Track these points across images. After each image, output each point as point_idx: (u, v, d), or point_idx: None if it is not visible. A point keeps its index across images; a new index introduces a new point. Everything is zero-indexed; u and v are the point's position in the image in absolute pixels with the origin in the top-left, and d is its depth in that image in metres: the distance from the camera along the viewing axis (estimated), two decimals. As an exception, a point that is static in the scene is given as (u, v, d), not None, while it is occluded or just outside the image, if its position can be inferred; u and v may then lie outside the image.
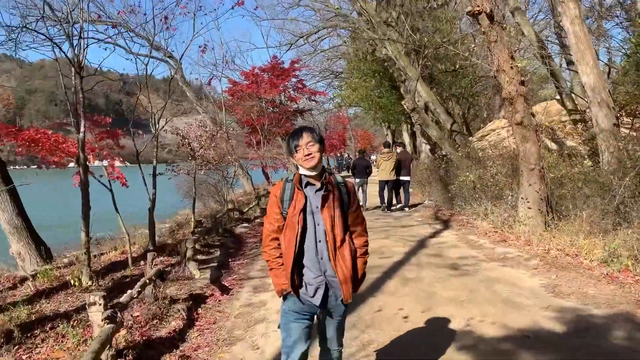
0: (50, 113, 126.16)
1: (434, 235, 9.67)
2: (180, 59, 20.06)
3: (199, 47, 10.83)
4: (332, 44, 31.41)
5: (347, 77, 30.52)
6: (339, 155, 45.69)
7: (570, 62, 16.34)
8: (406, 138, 33.66)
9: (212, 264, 7.77)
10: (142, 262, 7.75)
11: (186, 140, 10.01)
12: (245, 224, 11.65)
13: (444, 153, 21.53)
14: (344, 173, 38.87)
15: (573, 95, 21.97)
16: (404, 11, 18.69)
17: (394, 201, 14.30)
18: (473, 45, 24.86)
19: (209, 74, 42.89)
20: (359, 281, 3.04)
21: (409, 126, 29.54)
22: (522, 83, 9.56)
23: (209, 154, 10.37)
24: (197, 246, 8.66)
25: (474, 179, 11.16)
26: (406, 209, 13.77)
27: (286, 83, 26.02)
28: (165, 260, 7.79)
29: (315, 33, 23.74)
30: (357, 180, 14.17)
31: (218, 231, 10.27)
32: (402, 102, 15.14)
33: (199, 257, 8.15)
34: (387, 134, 42.60)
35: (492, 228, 9.58)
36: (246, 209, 12.97)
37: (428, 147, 20.48)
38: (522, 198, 9.49)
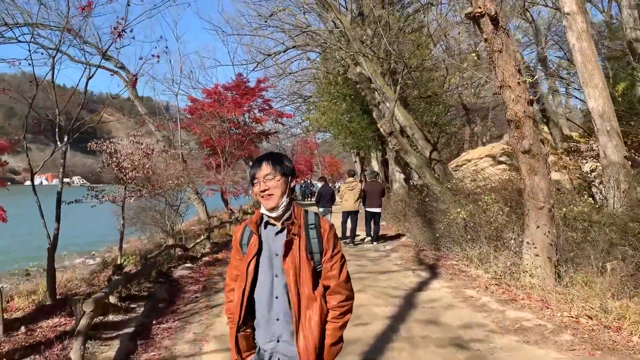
0: (8, 128, 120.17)
1: (421, 287, 7.65)
2: (135, 75, 17.80)
3: (153, 56, 9.24)
4: (302, 66, 29.73)
5: (316, 100, 28.83)
6: (303, 182, 43.53)
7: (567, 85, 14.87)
8: (375, 166, 32.00)
9: (126, 330, 5.54)
10: (31, 326, 5.46)
11: (113, 158, 7.84)
12: (189, 264, 9.39)
13: (420, 183, 19.86)
14: (308, 201, 36.89)
15: (560, 122, 20.78)
16: (378, 31, 17.10)
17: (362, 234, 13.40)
18: (446, 74, 23.65)
19: (166, 89, 40.24)
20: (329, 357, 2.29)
21: (380, 153, 27.87)
22: (531, 102, 7.81)
23: (143, 175, 8.16)
24: (112, 300, 6.40)
25: (465, 216, 9.28)
26: (374, 242, 12.61)
27: (251, 103, 24.02)
28: (57, 324, 5.52)
29: (284, 52, 21.83)
30: (321, 209, 13.27)
31: (150, 275, 8.02)
32: (379, 125, 13.30)
33: (111, 317, 5.90)
34: (355, 161, 40.88)
35: (492, 279, 7.64)
36: (192, 243, 10.69)
37: (402, 176, 18.69)
38: (527, 243, 7.67)
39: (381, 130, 13.19)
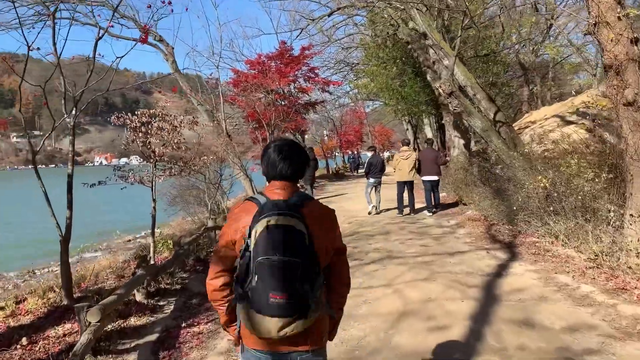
0: (63, 111, 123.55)
1: (500, 272, 6.35)
2: (173, 43, 17.01)
3: (163, 2, 8.06)
4: (348, 32, 28.12)
5: (364, 66, 27.24)
6: (351, 153, 41.65)
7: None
8: (429, 132, 30.27)
9: (148, 337, 4.59)
10: (35, 336, 4.60)
11: (139, 134, 6.88)
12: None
13: (480, 149, 18.20)
14: (361, 171, 35.57)
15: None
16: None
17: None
18: (502, 31, 21.68)
19: (207, 61, 39.11)
20: None
21: (435, 119, 26.12)
22: (635, 41, 6.24)
23: (172, 151, 7.17)
24: (138, 297, 5.48)
25: (547, 184, 7.82)
26: (434, 211, 11.94)
27: (296, 72, 22.78)
28: (67, 332, 4.61)
29: (329, 15, 20.43)
30: (371, 180, 12.70)
31: (185, 264, 7.09)
32: (436, 86, 11.83)
33: (133, 321, 4.97)
34: (407, 129, 39.09)
35: (587, 261, 6.24)
36: None
37: (462, 141, 17.08)
38: (630, 215, 6.23)
39: (439, 91, 11.74)
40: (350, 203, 14.82)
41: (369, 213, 12.58)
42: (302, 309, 1.95)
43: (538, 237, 7.69)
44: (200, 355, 4.29)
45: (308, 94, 24.10)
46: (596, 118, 15.14)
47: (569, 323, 4.49)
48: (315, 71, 23.92)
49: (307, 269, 1.96)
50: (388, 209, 13.02)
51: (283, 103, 22.42)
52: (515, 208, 8.37)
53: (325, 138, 40.26)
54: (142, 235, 17.13)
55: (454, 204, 12.79)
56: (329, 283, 2.22)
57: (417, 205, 12.40)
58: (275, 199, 2.10)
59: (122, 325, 4.77)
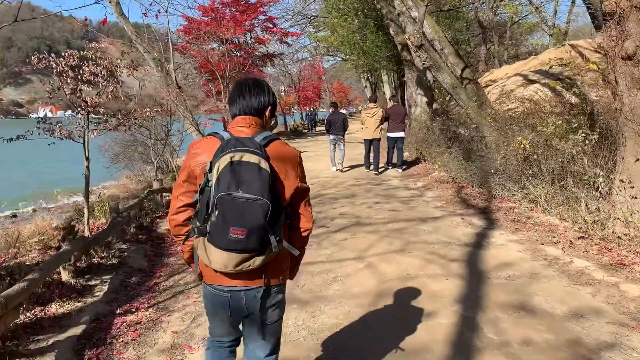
0: (7, 60, 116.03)
1: (481, 242, 5.70)
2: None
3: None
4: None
5: (323, 18, 25.96)
6: (309, 110, 40.38)
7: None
8: (387, 91, 29.55)
9: (70, 331, 3.67)
10: None
11: (67, 79, 5.73)
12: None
13: (443, 107, 17.58)
14: (319, 129, 34.48)
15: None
16: None
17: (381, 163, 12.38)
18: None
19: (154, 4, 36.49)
20: None
21: (395, 75, 25.32)
22: (638, -13, 5.54)
23: (108, 100, 6.05)
24: (64, 276, 4.52)
25: (527, 145, 7.19)
26: (399, 169, 11.90)
27: (252, 21, 21.32)
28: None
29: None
30: (332, 137, 12.42)
31: (125, 233, 6.11)
32: (405, 37, 10.94)
33: (55, 308, 4.02)
34: (365, 86, 38.19)
35: (578, 231, 5.68)
36: None
37: (425, 99, 16.36)
38: (621, 181, 5.69)
39: (408, 42, 10.86)
40: (311, 163, 13.95)
41: (338, 171, 12.22)
42: (261, 245, 1.92)
43: (515, 202, 7.12)
44: (137, 355, 3.42)
45: (265, 45, 22.73)
46: (562, 76, 14.74)
47: (571, 308, 3.87)
48: (274, 21, 22.50)
49: (269, 207, 1.89)
50: (352, 167, 12.42)
51: (239, 54, 21.06)
52: (492, 171, 7.73)
53: (283, 94, 38.78)
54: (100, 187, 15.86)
55: (415, 162, 12.20)
56: (291, 222, 2.19)
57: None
58: (239, 135, 2.04)
59: (38, 315, 3.82)
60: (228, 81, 18.31)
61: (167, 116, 12.05)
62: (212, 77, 20.13)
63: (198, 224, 2.00)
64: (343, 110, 49.71)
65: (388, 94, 25.97)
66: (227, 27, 19.56)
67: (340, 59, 41.69)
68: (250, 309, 2.09)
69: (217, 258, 1.93)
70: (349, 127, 12.72)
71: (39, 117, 5.92)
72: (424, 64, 10.97)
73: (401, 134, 11.94)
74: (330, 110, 13.30)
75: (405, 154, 13.87)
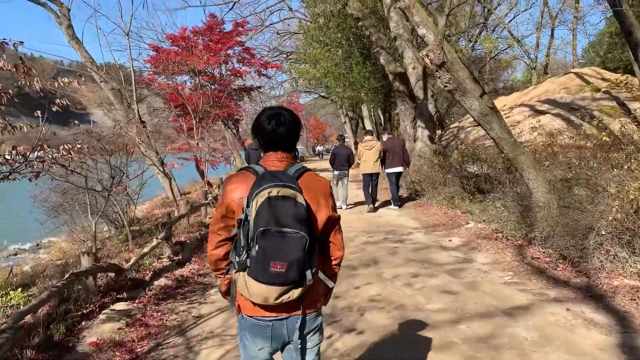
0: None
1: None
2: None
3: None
4: (283, 17, 24.69)
5: (302, 51, 23.87)
6: None
7: None
8: (368, 126, 27.42)
9: None
10: None
11: None
12: (123, 305, 4.71)
13: (442, 144, 15.32)
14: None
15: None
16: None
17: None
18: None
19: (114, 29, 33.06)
20: None
21: (380, 108, 23.16)
22: None
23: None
24: None
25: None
26: (395, 206, 10.92)
27: (228, 51, 18.93)
28: None
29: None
30: (336, 172, 11.27)
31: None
32: (422, 53, 8.59)
33: None
34: (344, 122, 36.13)
35: None
36: (134, 257, 5.77)
37: (427, 132, 14.05)
38: None
39: (426, 60, 8.53)
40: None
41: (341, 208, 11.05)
42: (299, 278, 1.89)
43: (633, 279, 4.61)
44: None
45: (242, 78, 20.29)
46: (575, 106, 12.71)
47: None
48: (251, 51, 20.17)
49: (307, 240, 1.86)
50: (349, 205, 11.32)
51: (213, 86, 18.54)
52: (589, 228, 5.18)
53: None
54: (28, 248, 12.81)
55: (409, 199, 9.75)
56: (323, 251, 2.13)
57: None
58: (272, 169, 2.01)
59: None
60: (201, 116, 15.71)
61: (125, 156, 9.39)
62: (182, 112, 17.50)
63: (237, 259, 1.95)
64: (319, 147, 47.41)
65: (369, 129, 23.75)
66: (199, 57, 17.11)
67: (318, 96, 39.74)
68: (291, 336, 2.04)
69: (258, 291, 1.88)
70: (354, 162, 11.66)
71: None
72: (446, 86, 8.57)
73: (400, 169, 11.00)
74: (336, 143, 12.16)
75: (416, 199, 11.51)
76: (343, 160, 11.09)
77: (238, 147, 22.41)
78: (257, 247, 1.82)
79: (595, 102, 12.66)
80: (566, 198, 5.98)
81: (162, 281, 5.67)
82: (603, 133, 7.04)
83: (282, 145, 2.08)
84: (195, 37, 18.21)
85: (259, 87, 22.79)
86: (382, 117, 24.96)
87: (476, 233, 7.28)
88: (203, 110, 15.81)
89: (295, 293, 1.89)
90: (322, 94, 37.04)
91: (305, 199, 1.90)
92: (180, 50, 17.76)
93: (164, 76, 17.49)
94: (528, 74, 32.01)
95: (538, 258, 5.73)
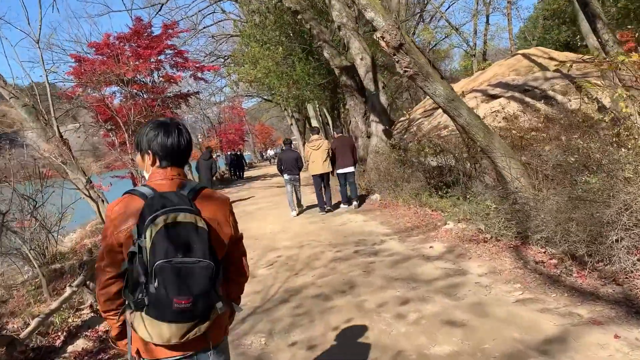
0: None
1: None
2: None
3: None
4: (217, 19, 23.22)
5: (241, 53, 22.50)
6: (231, 152, 33.65)
7: None
8: (315, 124, 26.37)
9: None
10: None
11: None
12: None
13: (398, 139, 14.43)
14: (249, 173, 30.30)
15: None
16: None
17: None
18: None
19: (23, 37, 29.95)
20: None
21: (328, 105, 22.10)
22: None
23: None
24: None
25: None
26: (354, 203, 10.44)
27: (159, 56, 17.30)
28: None
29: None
30: (286, 177, 10.67)
31: None
32: (376, 35, 7.53)
33: None
34: (291, 124, 34.83)
35: None
36: (33, 324, 4.24)
37: (381, 127, 13.05)
38: None
39: (382, 42, 7.48)
40: (256, 222, 10.07)
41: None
42: (205, 311, 1.69)
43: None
44: None
45: (177, 84, 18.68)
46: (528, 87, 12.14)
47: None
48: (184, 55, 18.59)
49: (212, 268, 1.65)
50: (309, 207, 10.74)
51: (145, 96, 16.88)
52: (620, 223, 4.20)
53: (201, 139, 34.33)
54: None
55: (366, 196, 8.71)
56: (226, 274, 1.93)
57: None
58: (163, 190, 1.75)
59: None
60: (133, 128, 14.09)
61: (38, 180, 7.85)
62: (114, 126, 15.80)
63: (132, 297, 1.69)
64: (270, 152, 45.67)
65: (317, 126, 22.68)
66: (127, 64, 15.44)
67: (261, 99, 38.29)
68: None
69: (160, 331, 1.65)
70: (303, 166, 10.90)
71: None
72: (405, 70, 7.55)
73: (351, 169, 10.45)
74: (283, 147, 11.88)
75: (376, 197, 10.48)
76: (290, 165, 10.57)
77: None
78: (155, 282, 1.60)
79: (547, 81, 12.11)
80: (566, 187, 5.03)
81: (79, 344, 4.26)
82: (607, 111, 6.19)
83: (173, 161, 1.84)
84: (121, 44, 16.48)
85: (197, 92, 21.23)
86: (328, 116, 23.95)
87: (459, 235, 6.25)
88: (135, 122, 14.17)
89: (202, 327, 1.71)
90: (266, 97, 35.66)
91: (205, 222, 1.70)
92: (105, 59, 16.00)
93: (90, 89, 15.67)
94: (467, 62, 31.88)
95: (542, 262, 4.75)
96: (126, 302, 1.75)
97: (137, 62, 16.03)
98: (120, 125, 14.23)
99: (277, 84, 17.75)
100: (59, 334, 4.48)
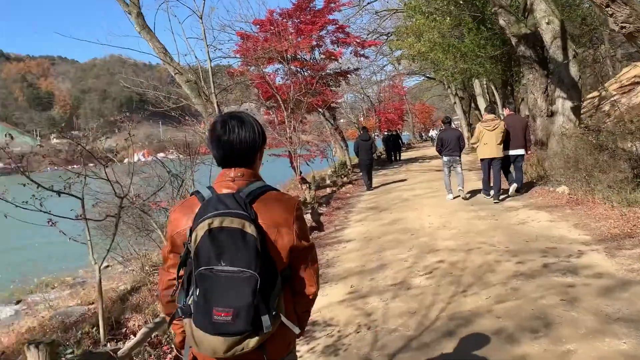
0: (103, 111, 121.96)
1: None
2: None
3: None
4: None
5: (404, 28, 21.10)
6: (387, 132, 31.41)
7: None
8: (482, 104, 23.93)
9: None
10: None
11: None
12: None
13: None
14: (407, 155, 28.92)
15: None
16: None
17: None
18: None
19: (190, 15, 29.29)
20: None
21: (499, 83, 19.64)
22: None
23: None
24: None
25: None
26: (513, 186, 9.35)
27: (320, 32, 16.81)
28: None
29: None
30: (445, 159, 10.04)
31: None
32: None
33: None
34: (454, 102, 32.41)
35: None
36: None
37: (569, 104, 10.74)
38: None
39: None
40: (416, 212, 8.92)
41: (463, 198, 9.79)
42: (253, 326, 1.53)
43: None
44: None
45: (338, 60, 18.05)
46: None
47: None
48: (346, 29, 17.85)
49: (259, 279, 1.51)
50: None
51: (305, 73, 16.58)
52: None
53: (362, 119, 33.79)
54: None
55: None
56: (292, 286, 1.74)
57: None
58: (223, 192, 1.67)
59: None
60: (292, 105, 13.78)
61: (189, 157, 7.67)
62: (276, 104, 15.75)
63: (181, 304, 1.65)
64: (432, 132, 43.26)
65: (484, 106, 20.35)
66: (288, 41, 15.18)
67: (423, 77, 36.42)
68: None
69: (205, 342, 1.54)
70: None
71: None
72: (623, 27, 5.61)
73: (521, 151, 9.50)
74: (442, 127, 11.27)
75: (563, 189, 8.53)
76: (451, 145, 9.97)
77: (337, 138, 20.36)
78: (197, 290, 1.55)
79: None
80: None
81: None
82: None
83: (236, 160, 1.70)
84: (284, 20, 16.29)
85: (357, 69, 20.41)
86: (497, 94, 21.41)
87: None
88: (294, 98, 13.85)
89: (251, 342, 1.54)
90: (428, 75, 33.72)
91: (259, 228, 1.57)
92: (268, 36, 15.97)
93: (252, 66, 15.82)
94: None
95: None
96: (177, 309, 1.67)
97: (298, 39, 15.70)
98: (280, 103, 14.02)
99: (442, 57, 16.08)
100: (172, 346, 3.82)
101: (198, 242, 1.52)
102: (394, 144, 26.23)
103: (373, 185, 14.31)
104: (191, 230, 1.56)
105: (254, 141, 1.70)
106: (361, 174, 15.25)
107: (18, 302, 9.02)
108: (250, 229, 1.52)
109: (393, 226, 7.98)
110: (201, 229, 1.52)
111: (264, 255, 1.55)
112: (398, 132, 32.22)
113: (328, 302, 4.71)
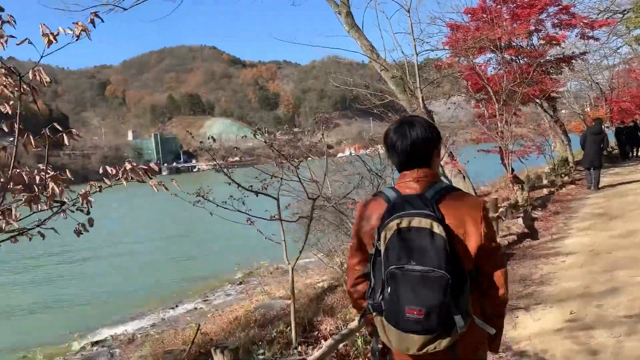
0: (320, 108, 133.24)
1: None
2: None
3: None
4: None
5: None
6: (623, 124, 25.99)
7: None
8: None
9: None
10: None
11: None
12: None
13: None
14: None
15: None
16: None
17: None
18: None
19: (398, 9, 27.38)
20: None
21: None
22: None
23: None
24: None
25: None
26: None
27: (539, 15, 15.23)
28: None
29: None
30: None
31: None
32: None
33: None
34: None
35: None
36: None
37: None
38: None
39: None
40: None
41: None
42: (444, 325, 1.54)
43: None
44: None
45: (560, 45, 16.13)
46: None
47: None
48: (571, 9, 15.82)
49: (448, 280, 1.52)
50: None
51: (521, 61, 15.23)
52: None
53: (587, 109, 29.74)
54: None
55: None
56: (480, 287, 1.74)
57: None
58: (407, 193, 1.73)
59: None
60: (504, 97, 12.78)
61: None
62: (486, 96, 14.85)
63: (371, 301, 1.68)
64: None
65: None
66: (502, 28, 14.10)
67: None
68: None
69: (397, 339, 1.60)
70: None
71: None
72: None
73: None
74: None
75: None
76: None
77: (557, 131, 18.30)
78: (389, 288, 1.58)
79: None
80: None
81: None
82: None
83: (415, 161, 1.75)
84: (498, 6, 15.17)
85: (584, 53, 17.92)
86: None
87: None
88: (506, 89, 12.83)
89: (442, 343, 1.55)
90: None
91: (447, 228, 1.59)
92: (480, 24, 15.09)
93: (461, 57, 15.17)
94: None
95: None
96: (368, 306, 1.70)
97: (513, 25, 14.48)
98: (491, 95, 13.15)
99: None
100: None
101: (387, 241, 1.58)
102: (630, 137, 22.40)
103: (600, 186, 12.49)
104: (378, 230, 1.62)
105: (427, 139, 1.73)
106: (585, 172, 13.49)
107: (241, 284, 10.29)
108: (438, 229, 1.55)
109: (628, 239, 6.71)
110: (390, 229, 1.58)
111: (452, 255, 1.56)
112: (635, 122, 27.38)
113: (540, 328, 4.10)
